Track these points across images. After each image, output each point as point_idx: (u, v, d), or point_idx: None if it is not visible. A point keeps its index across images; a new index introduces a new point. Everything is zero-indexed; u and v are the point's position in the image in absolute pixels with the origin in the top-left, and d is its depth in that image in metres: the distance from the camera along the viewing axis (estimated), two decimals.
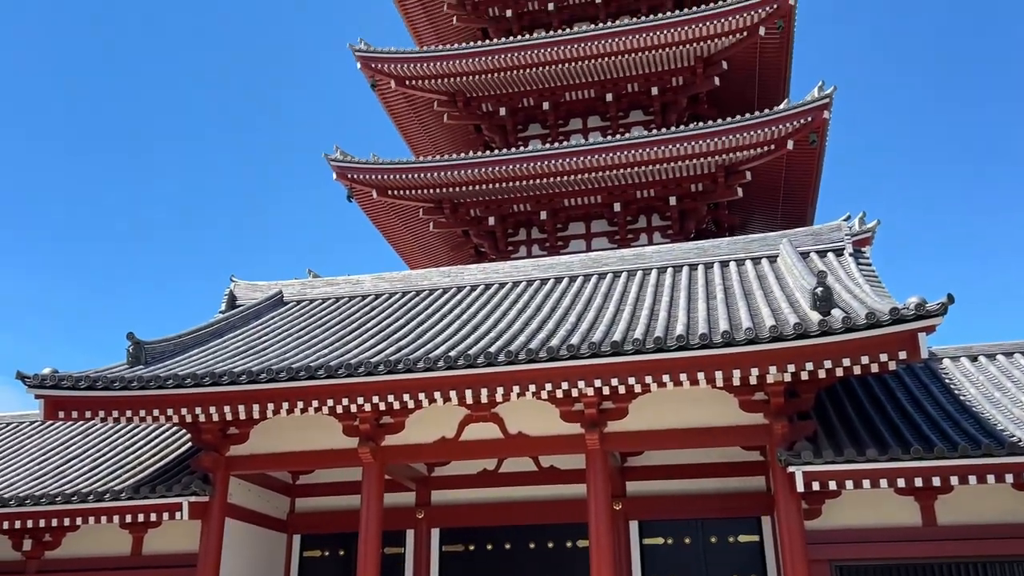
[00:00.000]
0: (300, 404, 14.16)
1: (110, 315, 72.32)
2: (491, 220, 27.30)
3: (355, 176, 26.04)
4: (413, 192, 26.33)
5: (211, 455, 15.66)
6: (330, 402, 14.06)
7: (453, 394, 13.78)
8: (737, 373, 12.92)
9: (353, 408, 14.31)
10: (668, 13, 25.58)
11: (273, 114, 77.89)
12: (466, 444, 15.39)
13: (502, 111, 28.58)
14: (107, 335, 73.26)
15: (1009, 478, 12.88)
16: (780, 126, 23.45)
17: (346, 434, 15.41)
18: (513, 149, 25.68)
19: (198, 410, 14.42)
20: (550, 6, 29.32)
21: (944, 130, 67.41)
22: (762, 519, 15.87)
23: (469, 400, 14.02)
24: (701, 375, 13.01)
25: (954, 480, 13.00)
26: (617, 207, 26.48)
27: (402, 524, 17.10)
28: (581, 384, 13.42)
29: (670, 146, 23.93)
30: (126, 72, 77.06)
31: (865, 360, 12.51)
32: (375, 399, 13.97)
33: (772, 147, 24.07)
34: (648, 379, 13.18)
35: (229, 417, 14.59)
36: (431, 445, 15.45)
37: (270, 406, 14.22)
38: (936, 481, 12.99)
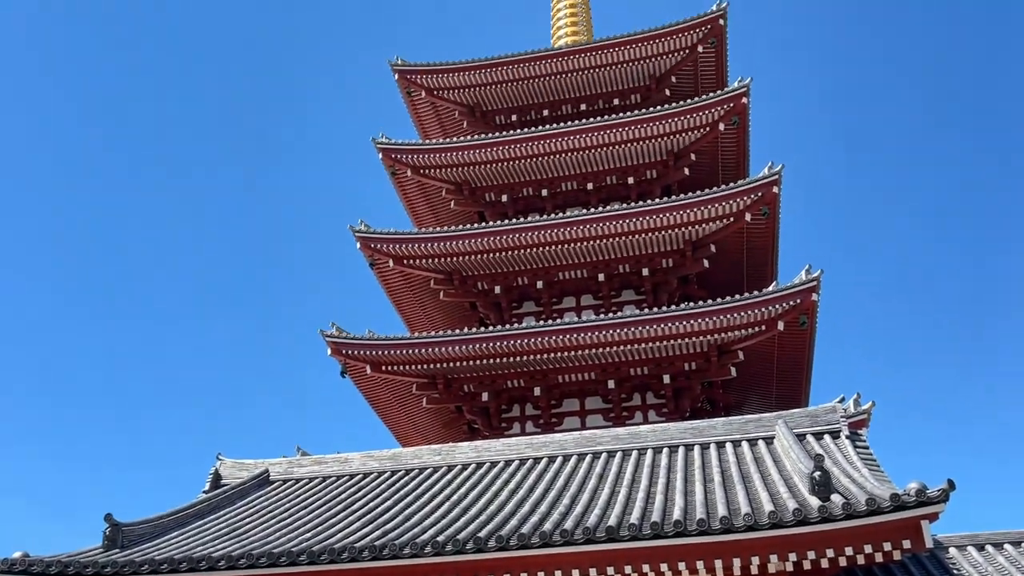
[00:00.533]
0: None
1: (96, 493, 70.42)
2: (485, 396, 27.15)
3: (350, 352, 26.12)
4: (408, 368, 26.34)
5: None
6: None
7: None
8: (737, 562, 12.45)
9: None
10: (657, 200, 26.59)
11: (264, 289, 79.30)
12: None
13: (497, 289, 29.11)
14: (91, 514, 70.98)
15: None
16: (769, 307, 23.82)
17: None
18: (507, 326, 25.94)
19: None
20: (544, 192, 30.53)
21: (944, 298, 68.65)
22: None
23: None
24: (700, 564, 12.53)
25: None
26: (611, 384, 26.43)
27: None
28: (576, 573, 12.89)
29: (661, 325, 24.20)
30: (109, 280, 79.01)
31: (868, 549, 12.10)
32: None
33: (763, 328, 24.34)
34: (646, 568, 12.68)
35: None
36: None
37: None
38: None
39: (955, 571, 15.67)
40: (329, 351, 26.27)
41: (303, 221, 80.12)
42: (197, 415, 73.66)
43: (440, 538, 13.21)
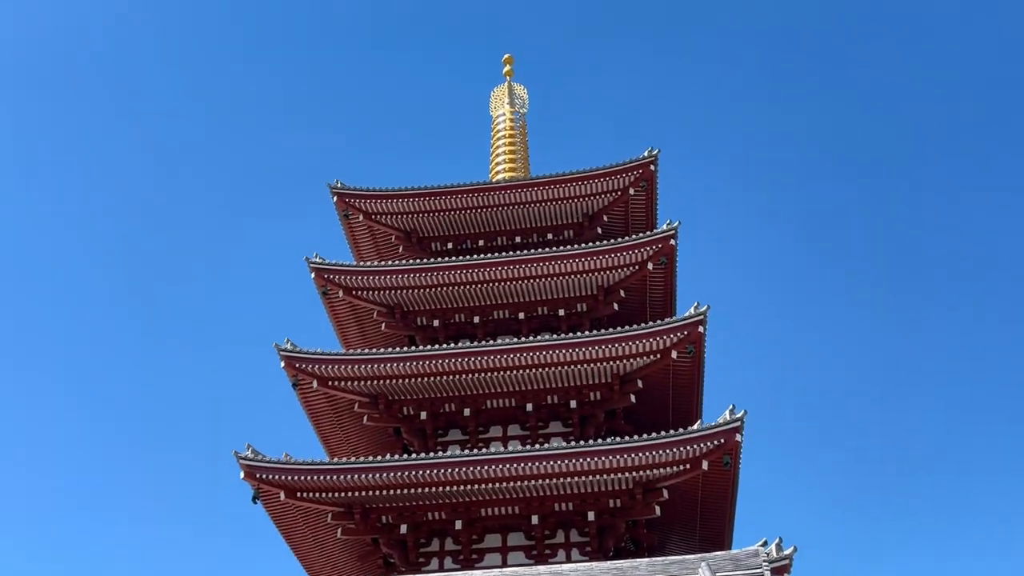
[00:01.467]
0: None
1: None
2: (403, 528, 26.18)
3: (264, 476, 25.09)
4: (324, 495, 25.36)
5: None
6: None
7: None
8: None
9: None
10: (586, 332, 26.89)
11: (177, 405, 76.56)
12: None
13: (423, 415, 28.65)
14: None
15: None
16: (693, 447, 23.87)
17: None
18: (431, 454, 25.39)
19: None
20: (475, 319, 30.64)
21: (871, 445, 69.85)
22: None
23: None
24: None
25: None
26: (535, 520, 25.81)
27: None
28: None
29: (586, 459, 23.97)
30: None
31: None
32: None
33: (687, 466, 24.30)
34: None
35: None
36: None
37: None
38: None
39: None
40: (242, 474, 25.19)
41: (224, 334, 78.45)
42: (104, 531, 69.09)
43: None
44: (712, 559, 18.26)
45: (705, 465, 24.13)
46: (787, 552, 20.17)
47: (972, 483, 64.56)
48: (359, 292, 29.85)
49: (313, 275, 29.78)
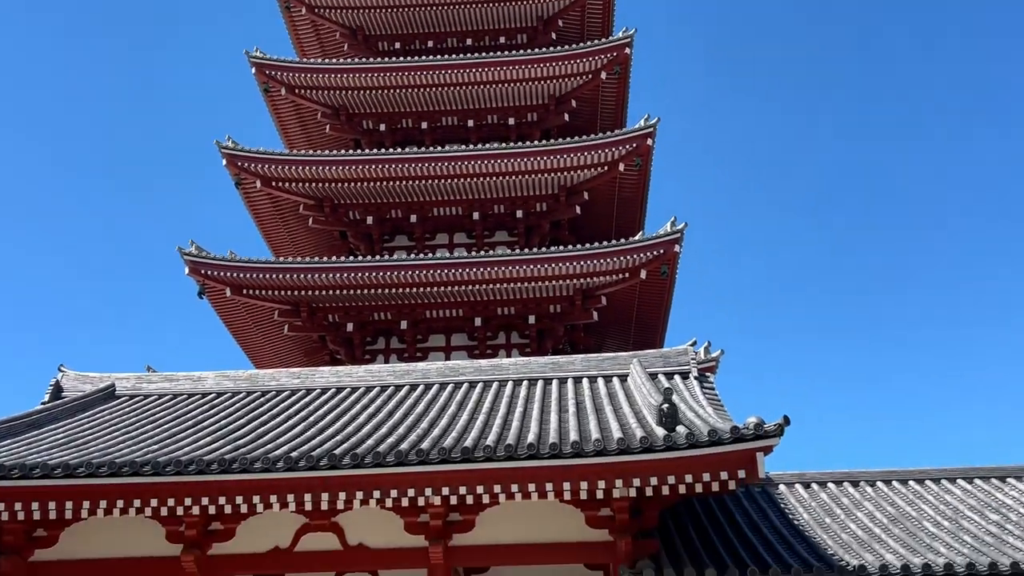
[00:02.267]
0: (120, 504, 13.05)
1: None
2: (349, 327, 26.84)
3: (209, 272, 25.19)
4: (269, 293, 25.66)
5: (12, 559, 14.07)
6: (154, 502, 13.03)
7: (291, 499, 13.08)
8: (585, 485, 12.90)
9: (180, 511, 13.31)
10: (534, 142, 26.71)
11: (119, 200, 75.19)
12: (302, 555, 14.52)
13: (369, 220, 28.66)
14: None
15: None
16: (634, 256, 24.53)
17: (170, 540, 14.23)
18: (377, 257, 25.66)
19: (1, 507, 13.04)
20: (423, 125, 30.12)
21: (804, 259, 72.55)
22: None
23: (308, 506, 13.31)
24: (550, 486, 12.92)
25: None
26: (478, 322, 26.66)
27: None
28: (429, 492, 13.03)
29: (529, 267, 24.53)
30: None
31: (707, 477, 12.77)
32: (205, 501, 13.06)
33: (626, 275, 25.07)
34: (496, 488, 12.96)
35: (38, 516, 13.23)
36: (263, 555, 14.48)
37: (86, 504, 13.03)
38: None
39: (783, 504, 16.83)
40: (187, 270, 25.24)
41: (166, 132, 76.08)
42: (37, 329, 69.53)
43: (294, 454, 13.06)
44: (643, 356, 19.24)
45: (643, 274, 24.92)
46: (714, 354, 21.34)
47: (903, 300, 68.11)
48: (302, 91, 28.91)
49: (254, 71, 28.66)
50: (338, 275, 24.68)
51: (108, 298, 72.53)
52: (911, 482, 17.91)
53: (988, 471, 18.22)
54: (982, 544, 14.41)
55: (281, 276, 24.80)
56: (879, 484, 17.84)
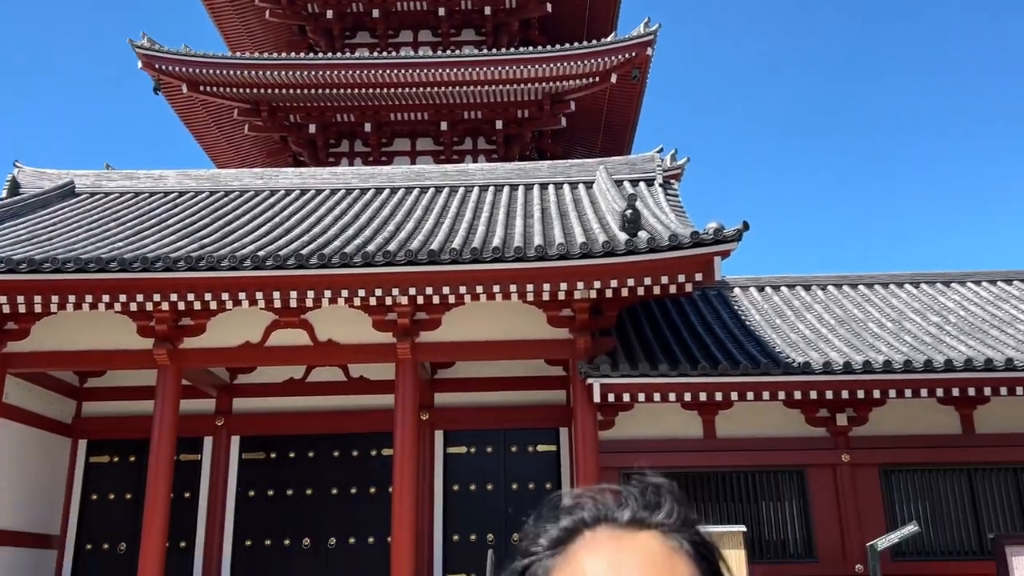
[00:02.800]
0: (89, 299, 13.22)
1: None
2: (312, 128, 26.26)
3: (163, 67, 24.14)
4: (227, 90, 24.77)
5: None
6: (123, 298, 13.22)
7: (260, 297, 13.33)
8: (547, 288, 13.29)
9: (149, 306, 13.55)
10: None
11: None
12: (272, 350, 15.00)
13: (329, 13, 27.29)
14: None
15: (781, 395, 14.14)
16: (605, 58, 23.88)
17: (141, 334, 14.58)
18: (337, 55, 24.70)
19: None
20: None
21: (776, 75, 71.49)
22: (560, 430, 16.59)
23: (277, 304, 13.61)
24: (514, 288, 13.28)
25: (734, 396, 14.12)
26: (444, 126, 26.20)
27: (200, 431, 16.51)
28: (395, 292, 13.35)
29: (498, 68, 23.82)
30: None
31: (665, 280, 13.19)
32: (173, 298, 13.28)
33: (596, 79, 24.50)
34: (463, 290, 13.30)
35: (7, 310, 13.42)
36: (234, 350, 14.93)
37: (54, 299, 13.19)
38: (718, 396, 14.07)
39: (736, 307, 17.54)
40: (140, 64, 24.16)
41: None
42: None
43: (260, 253, 13.17)
44: (610, 163, 19.24)
45: (614, 78, 24.37)
46: (680, 162, 21.36)
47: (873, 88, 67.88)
48: None
49: None
50: (296, 73, 23.81)
51: (63, 94, 69.66)
52: (861, 286, 18.67)
53: (934, 276, 19.01)
54: (921, 344, 15.29)
55: (236, 72, 23.85)
56: (830, 288, 18.59)
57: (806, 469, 14.92)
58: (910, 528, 13.25)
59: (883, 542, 13.18)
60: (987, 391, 14.01)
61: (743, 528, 12.24)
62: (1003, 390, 13.96)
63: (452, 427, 16.60)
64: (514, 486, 16.24)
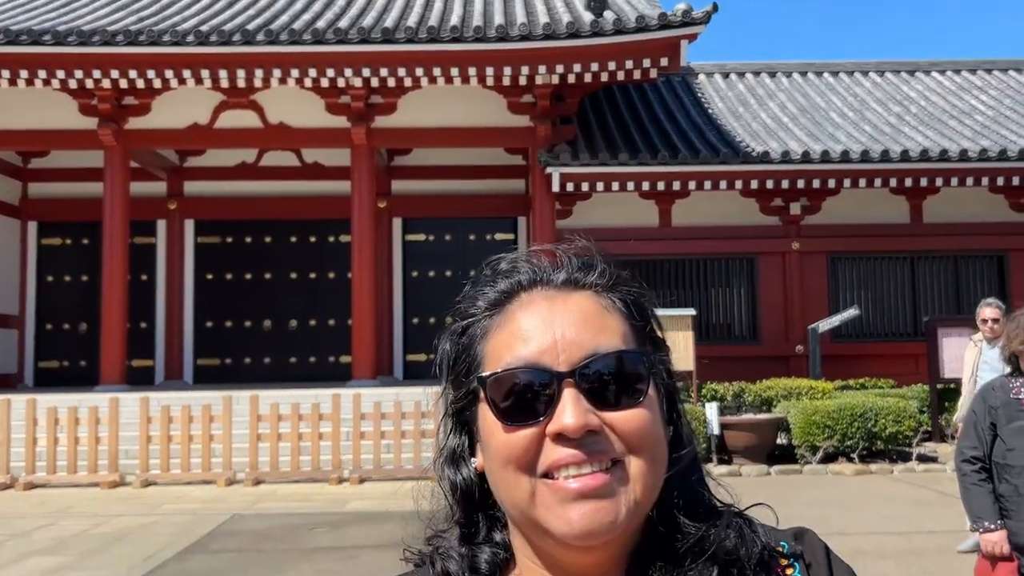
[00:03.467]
0: (24, 74, 12.50)
1: None
2: None
3: None
4: None
5: None
6: (60, 74, 12.51)
7: (206, 75, 12.71)
8: (508, 71, 12.83)
9: (89, 84, 12.87)
10: None
11: None
12: (222, 133, 14.53)
13: None
14: None
15: (739, 184, 14.23)
16: None
17: (83, 113, 13.97)
18: None
19: None
20: None
21: None
22: (519, 219, 16.68)
23: (224, 84, 13.02)
24: (472, 70, 12.80)
25: (692, 185, 14.18)
26: None
27: (153, 214, 16.27)
28: (348, 73, 12.80)
29: None
30: None
31: (630, 64, 12.80)
32: (114, 75, 12.60)
33: None
34: (419, 71, 12.79)
35: None
36: (182, 131, 14.44)
37: None
38: (676, 186, 14.11)
39: (700, 94, 17.23)
40: None
41: None
42: None
43: (204, 28, 12.40)
44: None
45: None
46: None
47: None
48: None
49: None
50: None
51: None
52: (826, 74, 18.36)
53: (899, 65, 18.73)
54: (880, 134, 15.30)
55: None
56: (795, 75, 18.26)
57: (757, 256, 15.32)
58: (851, 312, 13.88)
59: (824, 325, 13.83)
60: (939, 182, 14.24)
61: (693, 312, 12.70)
62: (954, 180, 14.19)
63: (411, 215, 16.57)
64: (472, 272, 16.45)
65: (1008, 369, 3.20)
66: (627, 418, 0.79)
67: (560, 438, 0.78)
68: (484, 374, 0.82)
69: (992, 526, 3.02)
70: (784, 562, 0.85)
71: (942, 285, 15.45)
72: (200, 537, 7.57)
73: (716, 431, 10.78)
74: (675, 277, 15.33)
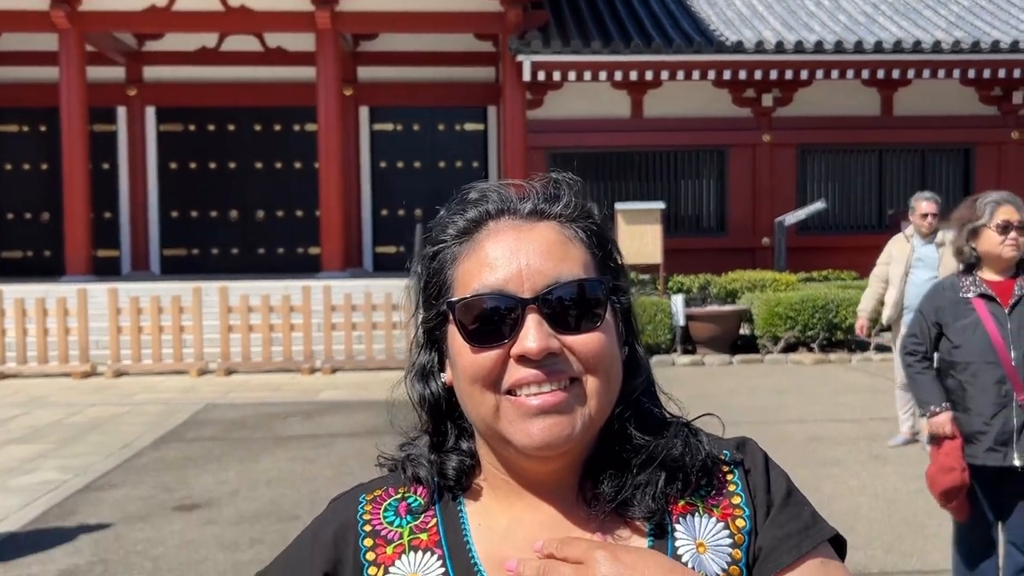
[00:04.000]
0: None
1: None
2: None
3: None
4: None
5: None
6: None
7: None
8: None
9: None
10: None
11: None
12: (180, 15, 13.98)
13: None
14: None
15: (711, 75, 14.07)
16: None
17: None
18: None
19: None
20: None
21: None
22: (488, 109, 16.42)
23: None
24: None
25: (665, 75, 13.99)
26: None
27: (112, 101, 15.78)
28: None
29: None
30: None
31: None
32: None
33: None
34: None
35: None
36: (139, 14, 13.87)
37: None
38: (649, 75, 13.92)
39: None
40: None
41: None
42: None
43: None
44: None
45: None
46: None
47: None
48: None
49: None
50: None
51: None
52: None
53: None
54: (854, 23, 15.09)
55: None
56: None
57: (728, 149, 15.30)
58: (817, 205, 14.02)
59: (791, 218, 13.98)
60: (911, 74, 14.17)
61: (662, 205, 12.75)
62: (926, 73, 14.14)
63: (378, 103, 16.24)
64: (441, 164, 16.34)
65: (961, 267, 3.26)
66: (585, 341, 0.84)
67: (523, 359, 0.83)
68: (454, 299, 0.87)
69: (938, 409, 3.18)
70: (725, 468, 0.91)
71: (909, 179, 15.58)
72: (175, 426, 7.71)
73: (681, 322, 11.00)
74: (645, 169, 15.30)
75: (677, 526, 0.87)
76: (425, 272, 0.92)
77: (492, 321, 0.84)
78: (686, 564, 0.85)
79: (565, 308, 0.84)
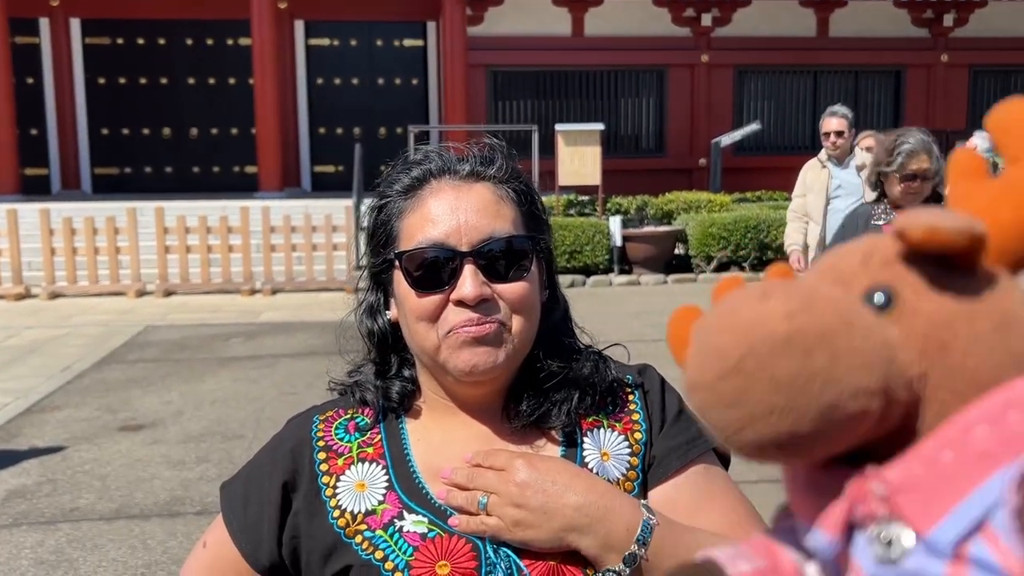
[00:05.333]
0: None
1: None
2: None
3: None
4: None
5: None
6: None
7: None
8: None
9: None
10: None
11: None
12: None
13: None
14: None
15: None
16: None
17: None
18: None
19: None
20: None
21: None
22: (428, 24, 16.11)
23: None
24: None
25: None
26: None
27: (34, 12, 15.04)
28: None
29: None
30: None
31: None
32: None
33: None
34: None
35: None
36: None
37: None
38: None
39: None
40: None
41: None
42: None
43: None
44: None
45: None
46: None
47: None
48: None
49: None
50: None
51: None
52: None
53: None
54: None
55: None
56: None
57: (667, 69, 15.37)
58: (753, 126, 14.25)
59: (727, 139, 14.20)
60: None
61: (602, 126, 12.82)
62: None
63: (313, 17, 15.79)
64: (380, 81, 16.08)
65: (873, 195, 3.36)
66: (513, 289, 1.00)
67: (460, 303, 0.98)
68: (400, 250, 1.01)
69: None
70: (628, 390, 1.09)
71: (843, 100, 15.74)
72: (115, 348, 7.72)
73: (619, 243, 11.23)
74: (586, 88, 15.31)
75: (585, 439, 1.04)
76: (372, 222, 1.05)
77: (434, 270, 0.98)
78: (591, 470, 1.01)
79: (496, 260, 0.99)
